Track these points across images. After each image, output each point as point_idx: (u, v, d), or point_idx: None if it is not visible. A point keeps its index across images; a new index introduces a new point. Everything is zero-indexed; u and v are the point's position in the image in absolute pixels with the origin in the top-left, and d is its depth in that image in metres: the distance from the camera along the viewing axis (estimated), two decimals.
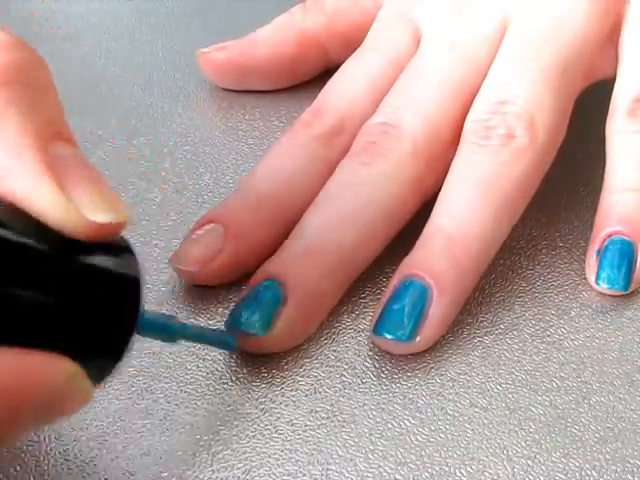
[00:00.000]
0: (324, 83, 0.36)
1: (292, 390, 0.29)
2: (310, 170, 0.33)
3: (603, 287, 0.31)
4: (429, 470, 0.27)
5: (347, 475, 0.26)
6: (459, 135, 0.32)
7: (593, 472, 0.26)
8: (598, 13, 0.33)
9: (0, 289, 0.21)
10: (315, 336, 0.30)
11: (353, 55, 0.36)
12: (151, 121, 0.39)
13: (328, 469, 0.27)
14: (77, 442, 0.27)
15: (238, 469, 0.27)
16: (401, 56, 0.35)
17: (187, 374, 0.29)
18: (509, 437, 0.27)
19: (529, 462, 0.27)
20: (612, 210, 0.31)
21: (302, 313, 0.29)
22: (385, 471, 0.27)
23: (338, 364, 0.29)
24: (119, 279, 0.23)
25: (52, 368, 0.21)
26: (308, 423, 0.28)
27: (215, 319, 0.31)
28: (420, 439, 0.27)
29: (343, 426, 0.28)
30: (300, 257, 0.30)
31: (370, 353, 0.30)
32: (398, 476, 0.26)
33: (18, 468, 0.27)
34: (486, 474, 0.26)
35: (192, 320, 0.31)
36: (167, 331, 0.26)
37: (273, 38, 0.39)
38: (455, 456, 0.27)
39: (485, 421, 0.28)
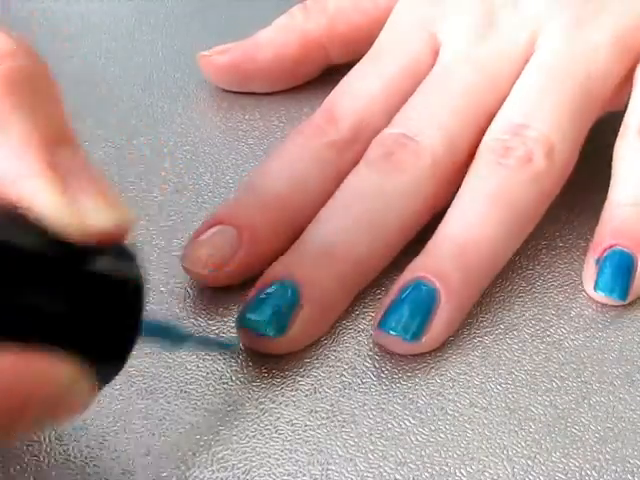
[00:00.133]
0: (324, 83, 0.36)
1: (292, 390, 0.29)
2: (322, 176, 0.33)
3: (600, 295, 0.31)
4: (429, 470, 0.27)
5: (347, 475, 0.26)
6: (475, 154, 0.32)
7: (593, 472, 0.26)
8: (621, 51, 0.34)
9: (4, 291, 0.21)
10: None
11: (369, 56, 0.36)
12: (151, 121, 0.39)
13: (328, 469, 0.27)
14: (77, 442, 0.27)
15: (238, 469, 0.27)
16: (419, 67, 0.35)
17: (187, 374, 0.29)
18: (509, 437, 0.27)
19: (529, 462, 0.27)
20: (613, 222, 0.31)
21: (317, 316, 0.30)
22: (385, 471, 0.27)
23: (338, 364, 0.29)
24: (122, 282, 0.23)
25: (55, 368, 0.21)
26: (308, 423, 0.28)
27: (215, 319, 0.31)
28: (420, 439, 0.27)
29: (343, 426, 0.28)
30: (316, 260, 0.30)
31: (370, 353, 0.30)
32: (398, 476, 0.26)
33: (18, 468, 0.27)
34: (486, 474, 0.26)
35: (192, 320, 0.31)
36: (169, 336, 0.27)
37: (275, 41, 0.39)
38: (455, 456, 0.27)
39: (485, 421, 0.28)
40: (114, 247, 0.23)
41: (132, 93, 0.41)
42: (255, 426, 0.28)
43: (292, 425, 0.28)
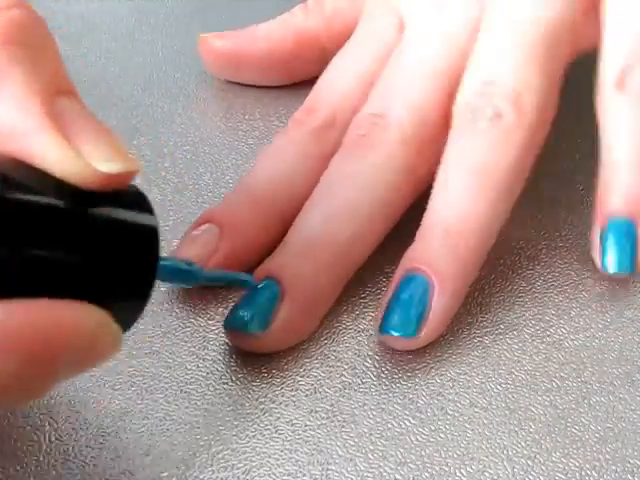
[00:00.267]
0: None
1: (292, 390, 0.29)
2: (303, 165, 0.33)
3: (610, 269, 0.31)
4: (429, 470, 0.27)
5: (347, 475, 0.26)
6: (448, 121, 0.32)
7: (593, 472, 0.26)
8: None
9: (20, 246, 0.21)
10: (315, 336, 0.30)
11: (340, 51, 0.37)
12: (151, 121, 0.39)
13: (328, 469, 0.27)
14: (77, 442, 0.27)
15: (238, 469, 0.27)
16: (387, 48, 0.35)
17: (187, 374, 0.29)
18: (509, 437, 0.27)
19: (529, 462, 0.27)
20: (611, 187, 0.31)
21: (299, 310, 0.30)
22: (385, 471, 0.27)
23: (338, 364, 0.29)
24: (137, 225, 0.24)
25: (83, 315, 0.22)
26: (308, 423, 0.28)
27: (215, 319, 0.31)
28: (420, 439, 0.27)
29: (343, 426, 0.28)
30: (295, 253, 0.30)
31: (370, 353, 0.30)
32: (398, 476, 0.26)
33: (18, 468, 0.27)
34: (486, 474, 0.26)
35: (192, 320, 0.31)
36: (185, 274, 0.28)
37: (272, 33, 0.40)
38: (455, 456, 0.27)
39: (485, 421, 0.28)
40: (125, 192, 0.23)
41: (132, 93, 0.41)
42: (255, 426, 0.28)
43: (292, 425, 0.28)
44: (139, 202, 0.24)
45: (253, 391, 0.29)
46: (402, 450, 0.27)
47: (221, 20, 0.45)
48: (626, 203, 0.31)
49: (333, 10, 0.40)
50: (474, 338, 0.30)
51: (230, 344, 0.30)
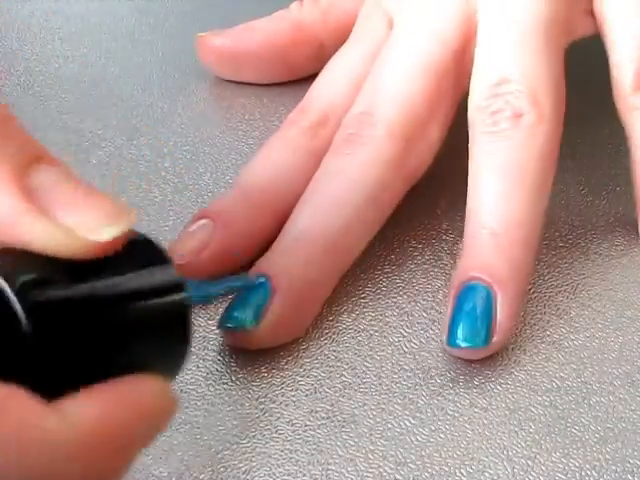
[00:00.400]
0: None
1: (292, 390, 0.29)
2: (296, 162, 0.34)
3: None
4: (429, 470, 0.27)
5: (347, 475, 0.26)
6: (435, 115, 0.32)
7: (593, 472, 0.26)
8: None
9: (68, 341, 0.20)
10: (315, 336, 0.30)
11: (336, 53, 0.37)
12: (151, 121, 0.39)
13: (328, 469, 0.27)
14: None
15: (238, 469, 0.27)
16: (378, 48, 0.35)
17: (187, 374, 0.29)
18: (509, 437, 0.27)
19: (529, 462, 0.27)
20: None
21: (290, 304, 0.30)
22: (385, 471, 0.27)
23: (338, 364, 0.29)
24: (163, 285, 0.23)
25: (151, 389, 0.21)
26: (308, 423, 0.28)
27: (215, 319, 0.31)
28: (420, 439, 0.27)
29: (343, 426, 0.28)
30: (286, 250, 0.30)
31: (370, 353, 0.30)
32: (398, 476, 0.26)
33: None
34: (486, 474, 0.26)
35: (192, 320, 0.31)
36: (203, 300, 0.28)
37: (268, 27, 0.40)
38: (455, 456, 0.27)
39: (485, 421, 0.28)
40: (132, 248, 0.22)
41: (132, 93, 0.41)
42: (255, 426, 0.28)
43: (292, 425, 0.28)
44: (151, 253, 0.23)
45: (253, 391, 0.29)
46: (402, 450, 0.27)
47: (221, 20, 0.45)
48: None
49: (329, 4, 0.40)
50: None
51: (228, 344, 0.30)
